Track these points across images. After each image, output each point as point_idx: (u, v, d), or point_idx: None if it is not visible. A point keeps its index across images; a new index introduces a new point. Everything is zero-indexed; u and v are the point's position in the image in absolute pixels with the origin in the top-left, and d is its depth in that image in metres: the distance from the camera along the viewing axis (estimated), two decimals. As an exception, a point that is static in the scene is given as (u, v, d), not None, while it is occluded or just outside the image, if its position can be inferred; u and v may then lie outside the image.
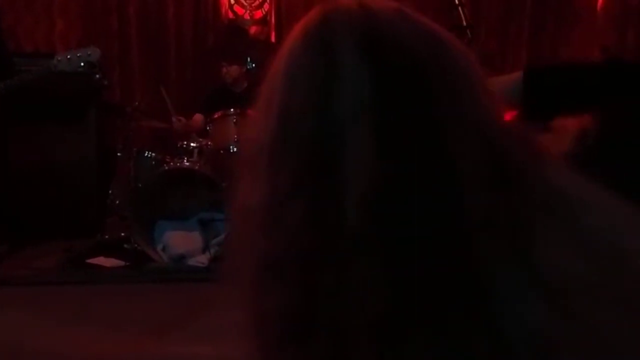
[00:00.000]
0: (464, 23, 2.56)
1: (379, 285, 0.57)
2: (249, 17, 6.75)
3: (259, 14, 6.75)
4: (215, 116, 4.87)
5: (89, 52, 3.27)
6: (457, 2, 2.57)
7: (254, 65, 5.03)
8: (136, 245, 4.70)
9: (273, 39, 6.73)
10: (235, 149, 4.73)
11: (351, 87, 0.59)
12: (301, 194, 0.59)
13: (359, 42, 0.61)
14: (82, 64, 3.37)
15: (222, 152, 4.78)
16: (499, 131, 0.62)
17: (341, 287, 0.58)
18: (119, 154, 5.08)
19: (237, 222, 0.68)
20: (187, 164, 4.81)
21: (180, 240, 4.81)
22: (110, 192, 5.08)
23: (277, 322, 0.66)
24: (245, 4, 6.73)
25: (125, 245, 4.78)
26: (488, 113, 0.62)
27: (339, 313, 0.59)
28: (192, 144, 4.92)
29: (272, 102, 0.62)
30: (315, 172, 0.59)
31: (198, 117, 5.28)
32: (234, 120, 4.77)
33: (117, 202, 5.03)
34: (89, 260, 4.73)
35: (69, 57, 3.27)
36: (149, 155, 4.95)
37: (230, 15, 6.78)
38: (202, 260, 4.72)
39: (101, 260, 4.74)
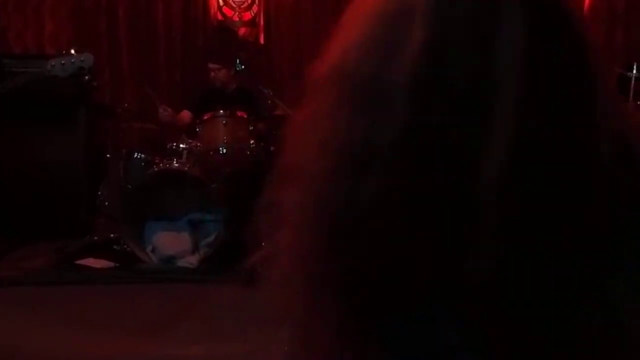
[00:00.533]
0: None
1: (497, 245, 0.56)
2: (238, 19, 6.76)
3: (247, 15, 6.76)
4: (205, 117, 4.87)
5: (82, 58, 3.28)
6: None
7: (242, 66, 5.04)
8: (126, 246, 4.71)
9: (262, 41, 6.74)
10: (224, 150, 4.74)
11: (508, 31, 0.56)
12: (453, 127, 0.56)
13: None
14: (75, 69, 3.38)
15: (211, 153, 4.79)
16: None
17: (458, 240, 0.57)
18: (108, 155, 5.08)
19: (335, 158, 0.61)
20: (177, 165, 4.82)
21: (169, 241, 4.82)
22: (99, 193, 5.07)
23: (380, 269, 0.59)
24: (234, 5, 6.74)
25: (115, 247, 4.79)
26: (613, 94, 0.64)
27: (449, 268, 0.57)
28: (181, 145, 4.93)
29: (409, 32, 0.57)
30: (465, 110, 0.56)
31: (185, 114, 5.28)
32: (224, 122, 4.78)
33: (107, 203, 5.03)
34: (79, 262, 4.74)
35: (62, 62, 3.28)
36: (139, 157, 4.95)
37: (220, 16, 6.78)
38: (191, 261, 4.73)
39: (91, 262, 4.74)
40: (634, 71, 4.67)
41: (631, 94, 4.62)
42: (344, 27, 0.64)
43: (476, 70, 0.56)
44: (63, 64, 3.16)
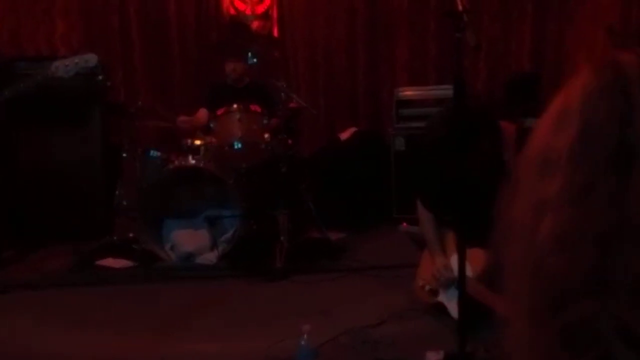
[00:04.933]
0: (460, 8, 2.53)
1: None
2: (250, 13, 6.72)
3: (260, 8, 6.72)
4: (219, 113, 4.84)
5: (86, 59, 3.26)
6: (452, -13, 2.55)
7: (255, 60, 5.00)
8: (144, 245, 4.71)
9: (276, 34, 6.70)
10: (239, 145, 4.71)
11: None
12: (600, 187, 0.79)
13: None
14: (79, 70, 3.36)
15: (226, 148, 4.76)
16: None
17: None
18: (124, 154, 5.07)
19: (526, 213, 0.87)
20: (193, 162, 4.80)
21: (188, 239, 4.81)
22: (116, 192, 5.07)
23: (574, 280, 0.81)
24: (246, -1, 6.70)
25: (134, 246, 4.79)
26: None
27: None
28: (196, 142, 4.91)
29: (569, 119, 0.84)
30: (610, 174, 0.79)
31: (202, 112, 5.26)
32: (238, 117, 4.74)
33: (124, 202, 5.02)
34: (98, 262, 4.75)
35: (66, 64, 3.27)
36: (154, 155, 4.94)
37: (232, 11, 6.75)
38: (210, 257, 4.72)
39: (110, 262, 4.75)
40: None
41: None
42: (535, 128, 0.90)
43: (618, 144, 0.80)
44: (66, 65, 3.15)
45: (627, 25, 5.37)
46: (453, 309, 3.25)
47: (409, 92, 5.78)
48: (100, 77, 5.34)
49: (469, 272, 3.08)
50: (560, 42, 5.85)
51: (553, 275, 0.83)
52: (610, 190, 0.79)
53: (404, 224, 5.23)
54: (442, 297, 3.41)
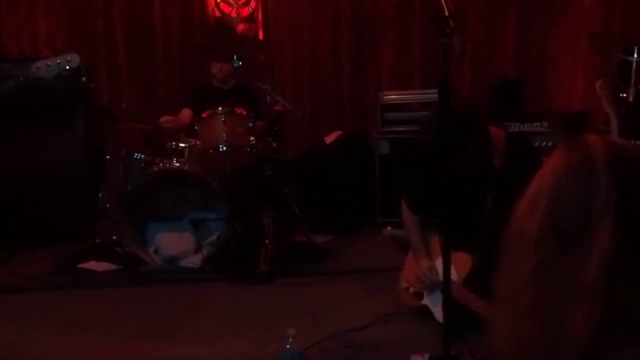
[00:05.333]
0: (446, 13, 2.54)
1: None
2: (235, 15, 6.71)
3: (245, 11, 6.71)
4: (204, 115, 4.83)
5: (68, 59, 3.22)
6: (439, -8, 2.56)
7: (240, 63, 5.00)
8: (128, 248, 4.68)
9: (261, 37, 6.69)
10: (224, 148, 4.70)
11: (603, 192, 0.88)
12: (564, 260, 0.89)
13: (609, 164, 0.90)
14: (61, 70, 3.33)
15: (211, 151, 4.75)
16: None
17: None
18: (107, 157, 5.03)
19: (509, 287, 0.97)
20: (177, 164, 4.78)
21: (172, 242, 4.79)
22: (100, 195, 5.04)
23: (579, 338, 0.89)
24: (231, 1, 6.69)
25: (117, 249, 4.75)
26: None
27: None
28: (181, 144, 4.89)
29: (540, 200, 0.93)
30: (574, 245, 0.89)
31: (186, 112, 5.25)
32: (223, 119, 4.72)
33: (108, 205, 4.99)
34: (81, 265, 4.71)
35: (48, 64, 3.23)
36: (138, 157, 4.91)
37: (217, 13, 6.73)
38: (194, 260, 4.70)
39: (93, 265, 4.71)
40: (635, 56, 4.61)
41: (632, 78, 4.56)
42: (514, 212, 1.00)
43: (580, 217, 0.89)
44: (48, 65, 3.11)
45: (610, 31, 5.43)
46: (438, 313, 3.26)
47: (394, 96, 5.80)
48: (83, 79, 5.31)
49: (453, 275, 3.09)
50: (543, 47, 5.90)
51: (530, 345, 0.93)
52: (571, 264, 0.89)
53: (389, 227, 5.24)
54: (426, 301, 3.42)
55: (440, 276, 3.18)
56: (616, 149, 0.95)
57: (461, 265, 3.18)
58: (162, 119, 5.10)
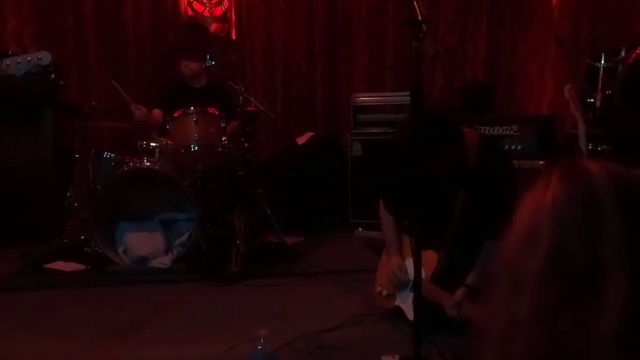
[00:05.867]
0: (419, 17, 2.56)
1: None
2: (208, 14, 6.69)
3: (218, 11, 6.69)
4: (175, 115, 4.79)
5: (39, 56, 3.16)
6: (412, -4, 2.58)
7: (213, 62, 4.97)
8: (96, 248, 4.62)
9: (234, 36, 6.67)
10: (196, 148, 4.67)
11: (614, 234, 0.81)
12: (570, 309, 0.81)
13: (617, 202, 0.83)
14: (32, 68, 3.28)
15: (182, 151, 4.72)
16: None
17: None
18: (77, 155, 4.97)
19: (498, 328, 0.89)
20: (148, 164, 4.74)
21: (141, 242, 4.74)
22: (68, 194, 4.97)
23: None
24: (204, 0, 6.67)
25: (85, 249, 4.69)
26: None
27: None
28: (152, 144, 4.84)
29: (539, 238, 0.84)
30: (582, 294, 0.81)
31: (157, 112, 5.20)
32: (194, 119, 4.70)
33: (76, 204, 4.92)
34: (48, 265, 4.64)
35: (18, 61, 3.17)
36: (108, 156, 4.85)
37: (190, 12, 6.71)
38: (164, 261, 4.67)
39: (60, 265, 4.65)
40: (602, 61, 4.68)
41: (599, 84, 4.63)
42: (504, 238, 0.91)
43: (588, 264, 0.81)
44: (18, 63, 3.06)
45: (578, 37, 5.51)
46: (408, 310, 3.28)
47: (366, 98, 5.82)
48: (52, 76, 5.23)
49: (421, 273, 3.14)
50: (513, 53, 5.97)
51: None
52: (579, 314, 0.80)
53: (360, 228, 5.28)
54: (398, 301, 3.44)
55: (410, 275, 3.22)
56: (622, 181, 0.86)
57: (428, 263, 3.22)
58: (136, 106, 5.00)
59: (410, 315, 3.20)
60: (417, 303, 2.73)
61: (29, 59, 3.07)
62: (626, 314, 0.79)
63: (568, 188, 0.86)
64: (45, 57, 3.18)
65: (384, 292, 3.49)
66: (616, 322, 0.78)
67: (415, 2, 2.57)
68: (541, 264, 0.83)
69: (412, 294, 3.03)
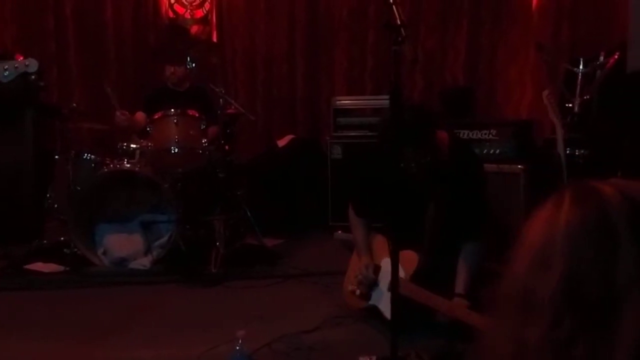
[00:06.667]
0: (398, 22, 2.59)
1: None
2: (189, 17, 6.69)
3: (199, 13, 6.70)
4: (156, 117, 4.79)
5: (26, 64, 3.18)
6: (391, 0, 2.61)
7: (193, 65, 4.98)
8: (76, 249, 4.62)
9: (215, 39, 6.68)
10: (176, 150, 4.67)
11: (629, 262, 0.80)
12: (582, 338, 0.79)
13: (632, 230, 0.81)
14: (18, 75, 3.28)
15: (163, 152, 4.71)
16: None
17: None
18: (56, 157, 4.96)
19: (506, 350, 0.87)
20: (128, 165, 4.74)
21: (121, 243, 4.74)
22: (48, 195, 4.95)
23: None
24: (185, 3, 6.67)
25: (65, 250, 4.68)
26: None
27: None
28: (132, 145, 4.84)
29: (552, 262, 0.83)
30: (595, 323, 0.79)
31: (140, 115, 5.20)
32: (175, 121, 4.70)
33: (56, 205, 4.91)
34: (27, 266, 4.62)
35: (5, 67, 3.18)
36: (88, 158, 4.85)
37: (171, 14, 6.71)
38: (144, 262, 4.67)
39: (39, 266, 4.63)
40: (581, 66, 4.74)
41: (578, 89, 4.69)
42: (513, 258, 0.89)
43: (603, 290, 0.79)
44: (5, 69, 3.06)
45: (558, 41, 5.57)
46: (386, 310, 3.31)
47: (346, 101, 5.85)
48: (33, 77, 5.20)
49: (401, 273, 3.17)
50: (493, 57, 6.02)
51: None
52: (592, 343, 0.79)
53: (340, 231, 5.28)
54: (374, 300, 3.46)
55: (385, 273, 3.25)
56: (637, 206, 0.84)
57: (408, 263, 3.26)
58: (120, 111, 4.99)
59: (388, 314, 3.23)
60: (395, 304, 2.76)
61: (16, 65, 3.07)
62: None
63: (581, 212, 0.84)
64: (32, 64, 3.18)
65: (357, 292, 3.51)
66: (629, 353, 0.77)
67: (394, 7, 2.60)
68: (553, 289, 0.82)
69: (389, 294, 3.06)
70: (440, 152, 3.22)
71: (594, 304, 0.80)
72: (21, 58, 3.67)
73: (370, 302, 3.48)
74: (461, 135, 4.98)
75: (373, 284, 3.43)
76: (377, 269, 3.45)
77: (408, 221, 3.02)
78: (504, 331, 0.88)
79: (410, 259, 3.29)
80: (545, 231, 0.86)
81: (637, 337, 0.77)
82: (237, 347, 2.76)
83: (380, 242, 3.50)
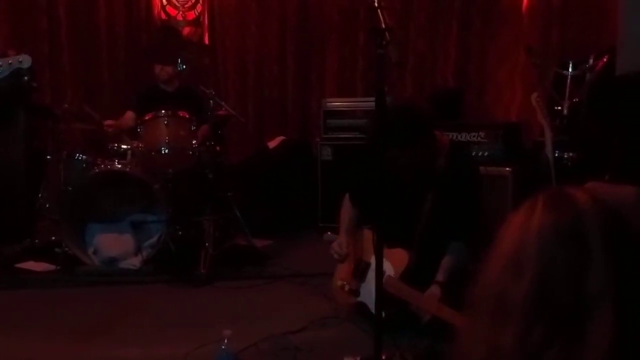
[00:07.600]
0: (383, 25, 2.63)
1: None
2: (181, 18, 6.72)
3: (191, 15, 6.73)
4: (146, 118, 4.82)
5: (20, 60, 3.19)
6: (376, 4, 2.65)
7: (184, 66, 5.01)
8: (67, 248, 4.64)
9: (206, 41, 6.71)
10: (166, 151, 4.70)
11: (600, 269, 0.81)
12: (554, 344, 0.80)
13: (603, 237, 0.82)
14: (12, 71, 3.30)
15: (153, 153, 4.74)
16: None
17: None
18: (48, 157, 4.98)
19: (479, 353, 0.88)
20: (119, 166, 4.77)
21: (111, 243, 4.77)
22: (40, 195, 4.98)
23: None
24: (177, 4, 6.70)
25: (56, 249, 4.71)
26: None
27: None
28: (123, 146, 4.88)
29: (524, 267, 0.84)
30: (567, 330, 0.80)
31: (129, 114, 5.23)
32: (165, 122, 4.73)
33: (47, 205, 4.94)
34: (18, 265, 4.66)
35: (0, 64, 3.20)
36: (80, 158, 4.87)
37: (163, 16, 6.74)
38: (134, 262, 4.69)
39: (31, 265, 4.66)
40: (570, 69, 4.77)
41: (567, 92, 4.72)
42: (487, 261, 0.90)
43: (574, 298, 0.80)
44: (0, 66, 3.08)
45: (547, 44, 5.61)
46: (373, 306, 3.33)
47: (336, 103, 5.88)
48: (25, 77, 5.22)
49: (390, 270, 3.21)
50: (483, 59, 6.06)
51: None
52: (564, 347, 0.80)
53: (329, 232, 5.32)
54: (362, 297, 3.49)
55: (372, 272, 3.28)
56: (609, 214, 0.85)
57: (398, 261, 3.29)
58: (106, 123, 5.06)
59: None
60: (379, 303, 2.79)
61: (10, 62, 3.08)
62: (611, 350, 0.79)
63: (554, 218, 0.85)
64: (26, 60, 3.20)
65: (346, 287, 3.53)
66: (601, 357, 0.78)
67: (379, 10, 2.64)
68: (525, 294, 0.82)
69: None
70: (438, 154, 3.26)
71: (565, 311, 0.81)
72: (14, 53, 3.67)
73: (359, 299, 3.51)
74: (450, 137, 5.01)
75: (361, 275, 3.46)
76: (366, 266, 3.48)
77: (398, 220, 3.06)
78: (477, 335, 0.89)
79: (400, 257, 3.32)
80: (518, 236, 0.87)
81: (608, 344, 0.78)
82: (223, 347, 2.78)
83: (370, 240, 3.52)
